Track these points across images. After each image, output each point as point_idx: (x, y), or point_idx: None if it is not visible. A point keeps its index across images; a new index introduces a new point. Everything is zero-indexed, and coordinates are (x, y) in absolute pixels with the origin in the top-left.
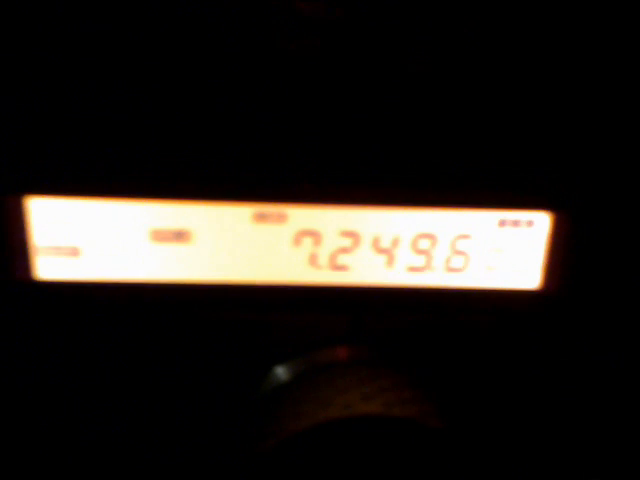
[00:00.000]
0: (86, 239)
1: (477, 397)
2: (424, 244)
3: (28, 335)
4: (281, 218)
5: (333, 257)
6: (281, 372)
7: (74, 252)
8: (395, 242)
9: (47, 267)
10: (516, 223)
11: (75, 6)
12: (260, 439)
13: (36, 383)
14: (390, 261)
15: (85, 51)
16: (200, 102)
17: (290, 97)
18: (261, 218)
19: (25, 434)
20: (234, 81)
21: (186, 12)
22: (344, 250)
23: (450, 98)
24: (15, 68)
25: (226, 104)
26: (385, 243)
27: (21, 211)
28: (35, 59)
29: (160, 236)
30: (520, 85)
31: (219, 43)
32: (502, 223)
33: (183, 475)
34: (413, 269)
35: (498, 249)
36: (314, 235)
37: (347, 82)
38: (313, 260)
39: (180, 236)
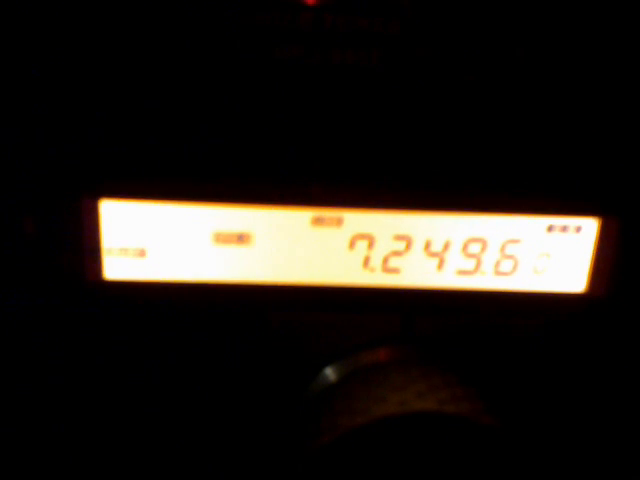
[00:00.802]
0: (152, 241)
1: (526, 397)
2: (474, 248)
3: (96, 334)
4: (338, 222)
5: (386, 260)
6: (334, 370)
7: (141, 253)
8: (446, 246)
9: (115, 267)
10: (564, 229)
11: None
12: (314, 436)
13: (105, 379)
14: (441, 264)
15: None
16: (264, 111)
17: (349, 106)
18: (319, 222)
19: (91, 429)
20: (294, 88)
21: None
22: (396, 253)
23: (502, 106)
24: (89, 70)
25: (289, 113)
26: (436, 247)
27: (94, 213)
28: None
29: (222, 238)
30: (568, 91)
31: (281, 49)
32: (550, 229)
33: (237, 474)
34: (463, 272)
35: (546, 253)
36: (368, 238)
37: (402, 89)
38: (367, 263)
39: (242, 238)
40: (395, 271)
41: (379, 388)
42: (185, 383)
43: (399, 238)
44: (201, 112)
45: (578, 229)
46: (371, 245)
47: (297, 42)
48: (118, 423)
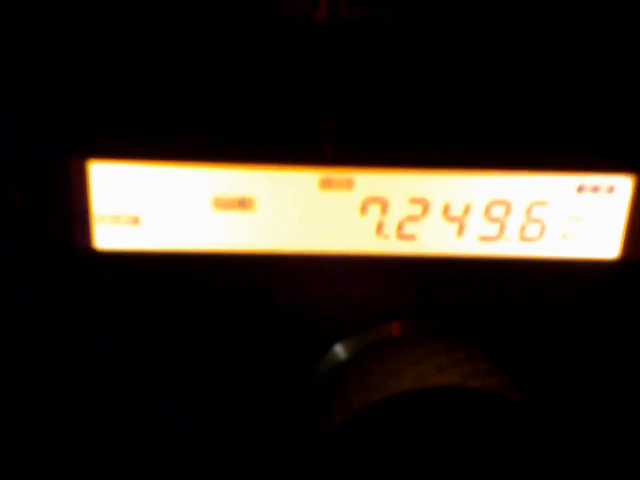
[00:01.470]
0: (147, 207)
1: (554, 372)
2: (497, 211)
3: (87, 307)
4: (348, 184)
5: (401, 226)
6: (345, 347)
7: (135, 221)
8: (466, 209)
9: (107, 236)
10: (596, 189)
11: None
12: (326, 416)
13: (94, 356)
14: (461, 230)
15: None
16: (267, 66)
17: (357, 61)
18: (327, 184)
19: (84, 406)
20: (300, 45)
21: None
22: (412, 218)
23: (526, 55)
24: (74, 26)
25: (294, 69)
26: (456, 211)
27: (83, 176)
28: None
29: (223, 203)
30: (598, 40)
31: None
32: (581, 189)
33: (248, 457)
34: (485, 238)
35: (576, 216)
36: (381, 202)
37: (416, 43)
38: (380, 229)
39: (244, 204)
40: (411, 238)
41: (395, 363)
42: (183, 362)
43: (415, 201)
44: (200, 67)
45: (611, 189)
46: (384, 209)
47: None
48: (110, 402)
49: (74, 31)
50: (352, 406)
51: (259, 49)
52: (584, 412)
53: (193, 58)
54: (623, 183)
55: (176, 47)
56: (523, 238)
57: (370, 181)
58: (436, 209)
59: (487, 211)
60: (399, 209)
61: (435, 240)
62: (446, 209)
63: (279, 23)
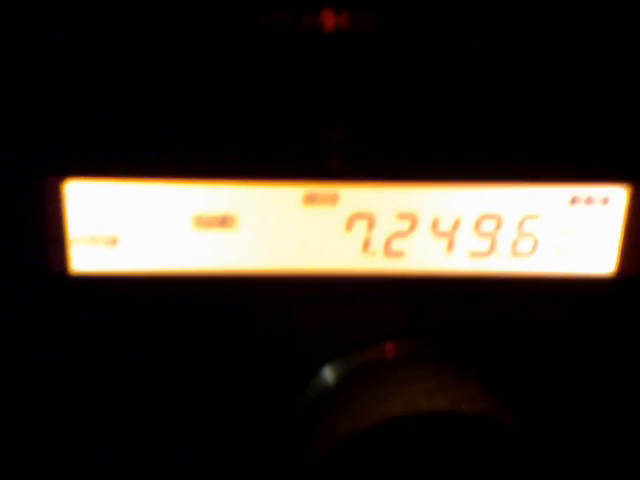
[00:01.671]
0: (125, 227)
1: (548, 393)
2: (488, 226)
3: (64, 333)
4: (332, 199)
5: (388, 242)
6: (332, 370)
7: (112, 241)
8: (456, 224)
9: (84, 258)
10: (589, 200)
11: None
12: (312, 445)
13: (75, 383)
14: (450, 246)
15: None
16: (247, 76)
17: (340, 69)
18: (311, 200)
19: (56, 429)
20: (281, 55)
21: None
22: (400, 234)
23: (515, 64)
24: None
25: (274, 78)
26: (445, 226)
27: (58, 195)
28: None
29: (204, 222)
30: (590, 47)
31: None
32: (574, 201)
33: None
34: (476, 254)
35: (569, 230)
36: (368, 218)
37: (402, 54)
38: (367, 246)
39: (225, 221)
40: (399, 255)
41: (383, 387)
42: (165, 387)
43: (402, 216)
44: (179, 81)
45: (605, 200)
46: (371, 225)
47: (285, 6)
48: (89, 430)
49: (48, 51)
50: (338, 434)
51: (239, 62)
52: (580, 434)
53: (170, 72)
54: (618, 194)
55: (155, 60)
56: (515, 253)
57: (356, 196)
58: (424, 224)
59: (477, 226)
60: (386, 225)
61: (424, 257)
62: (435, 224)
63: (259, 33)
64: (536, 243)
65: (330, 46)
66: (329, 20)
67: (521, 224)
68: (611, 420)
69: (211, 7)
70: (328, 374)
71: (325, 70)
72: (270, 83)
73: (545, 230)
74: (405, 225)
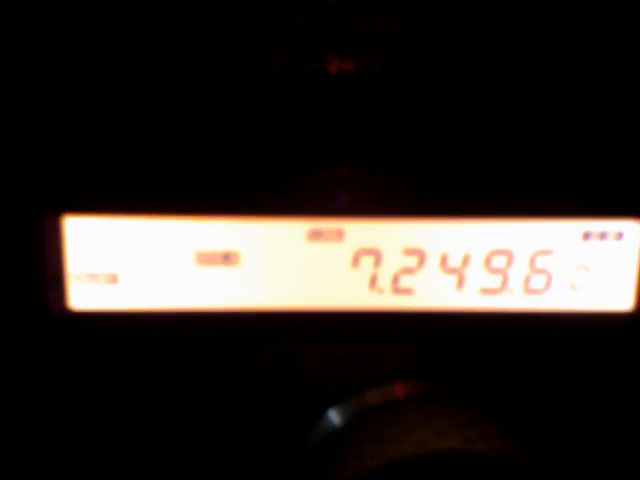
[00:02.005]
0: (125, 264)
1: (564, 432)
2: (499, 262)
3: (64, 370)
4: (338, 235)
5: (396, 279)
6: (340, 411)
7: (112, 279)
8: (466, 260)
9: (83, 296)
10: (603, 236)
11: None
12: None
13: (74, 422)
14: (460, 283)
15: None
16: (253, 114)
17: (346, 107)
18: (316, 236)
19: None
20: (283, 94)
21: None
22: (408, 271)
23: (523, 98)
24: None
25: (277, 115)
26: (454, 262)
27: (57, 232)
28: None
29: (206, 259)
30: (602, 72)
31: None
32: (587, 236)
33: None
34: (487, 291)
35: (583, 266)
36: (374, 254)
37: (409, 90)
38: (373, 283)
39: (228, 258)
40: (407, 292)
41: (393, 428)
42: (165, 428)
43: (410, 252)
44: (182, 117)
45: (619, 235)
46: (378, 262)
47: (288, 49)
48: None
49: (45, 86)
50: (347, 475)
51: (243, 100)
52: (597, 474)
53: (173, 107)
54: (632, 228)
55: (154, 98)
56: (528, 290)
57: (362, 231)
58: (433, 260)
59: (488, 262)
60: (393, 261)
61: (433, 294)
62: (444, 260)
63: (265, 74)
64: (549, 279)
65: (335, 86)
66: (334, 63)
67: (533, 260)
68: (628, 460)
69: (216, 48)
70: (335, 416)
71: (330, 108)
72: (273, 120)
73: (558, 266)
74: (413, 261)
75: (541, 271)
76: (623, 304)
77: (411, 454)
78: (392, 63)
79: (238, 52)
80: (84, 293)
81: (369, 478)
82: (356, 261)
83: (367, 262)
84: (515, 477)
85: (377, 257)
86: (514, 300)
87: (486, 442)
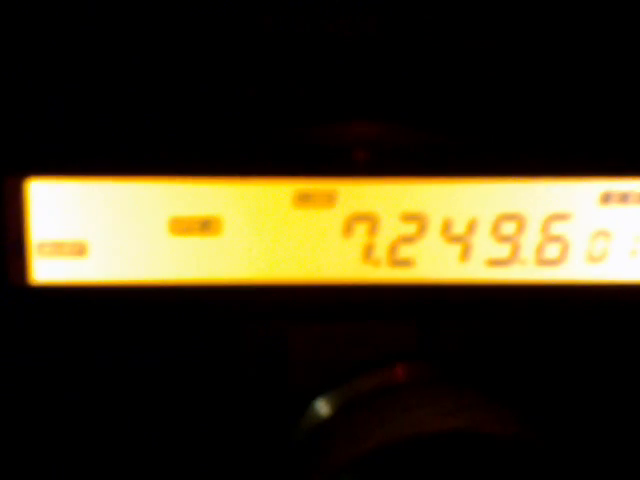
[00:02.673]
0: (94, 233)
1: (577, 414)
2: (508, 228)
3: (25, 350)
4: (328, 199)
5: (393, 249)
6: (332, 396)
7: (80, 249)
8: (471, 227)
9: (48, 267)
10: (624, 198)
11: None
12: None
13: (38, 407)
14: (465, 252)
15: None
16: (230, 60)
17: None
18: (303, 200)
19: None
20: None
21: None
22: (407, 239)
23: (536, 48)
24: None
25: (258, 70)
26: (458, 228)
27: (19, 196)
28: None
29: (182, 226)
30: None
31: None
32: (606, 198)
33: None
34: (495, 262)
35: (603, 233)
36: (369, 220)
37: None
38: (368, 253)
39: (206, 226)
40: (406, 263)
41: (385, 411)
42: (136, 412)
43: (409, 218)
44: (156, 69)
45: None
46: (373, 229)
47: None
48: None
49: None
50: (334, 464)
51: (217, 56)
52: (611, 456)
53: (142, 61)
54: None
55: (126, 46)
56: (541, 261)
57: (355, 195)
58: (434, 227)
59: (495, 228)
60: (390, 228)
61: (435, 265)
62: (446, 227)
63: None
64: (565, 248)
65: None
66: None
67: (546, 226)
68: None
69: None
70: (327, 401)
71: (314, 62)
72: (251, 75)
73: (575, 233)
74: (412, 228)
75: (556, 238)
76: None
77: (405, 435)
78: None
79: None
80: (48, 264)
81: (359, 462)
82: (348, 228)
83: (360, 230)
84: (521, 458)
85: (372, 224)
86: (525, 271)
87: (487, 423)
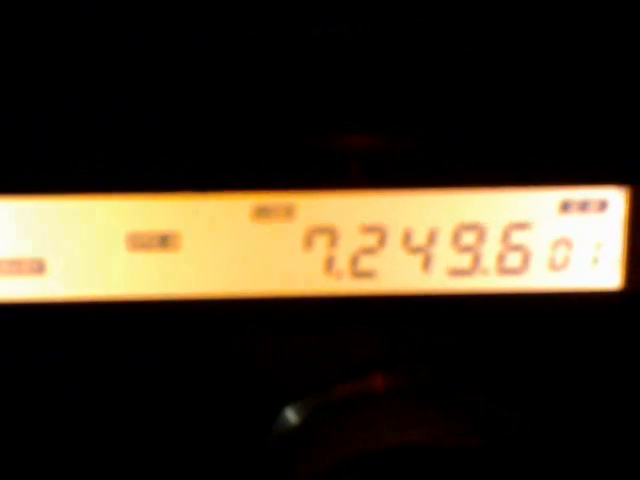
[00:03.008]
0: (51, 251)
1: (550, 419)
2: (469, 238)
3: None
4: (287, 212)
5: (354, 260)
6: (296, 410)
7: (39, 266)
8: (431, 237)
9: (5, 286)
10: (584, 206)
11: None
12: None
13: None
14: (427, 263)
15: None
16: (188, 75)
17: (298, 67)
18: (262, 213)
19: None
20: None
21: None
22: (368, 251)
23: (501, 54)
24: None
25: (221, 76)
26: (418, 239)
27: None
28: None
29: (140, 242)
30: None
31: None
32: (565, 207)
33: None
34: (457, 272)
35: (564, 240)
36: (329, 232)
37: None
38: (329, 266)
39: (165, 241)
40: (368, 275)
41: (350, 424)
42: (100, 432)
43: (369, 230)
44: (109, 84)
45: (602, 205)
46: (333, 241)
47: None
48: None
49: None
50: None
51: (175, 67)
52: (589, 460)
53: (97, 76)
54: (616, 197)
55: (79, 58)
56: (502, 270)
57: (314, 208)
58: (395, 238)
59: (456, 238)
60: (351, 240)
61: (397, 276)
62: (407, 238)
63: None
64: (527, 256)
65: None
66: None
67: (506, 235)
68: (619, 442)
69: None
70: (290, 415)
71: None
72: (212, 87)
73: (536, 241)
74: (372, 240)
75: (516, 247)
76: (610, 281)
77: (366, 449)
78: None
79: None
80: (6, 283)
81: (322, 476)
82: (309, 241)
83: (321, 242)
84: (481, 468)
85: (332, 236)
86: (487, 281)
87: (450, 436)
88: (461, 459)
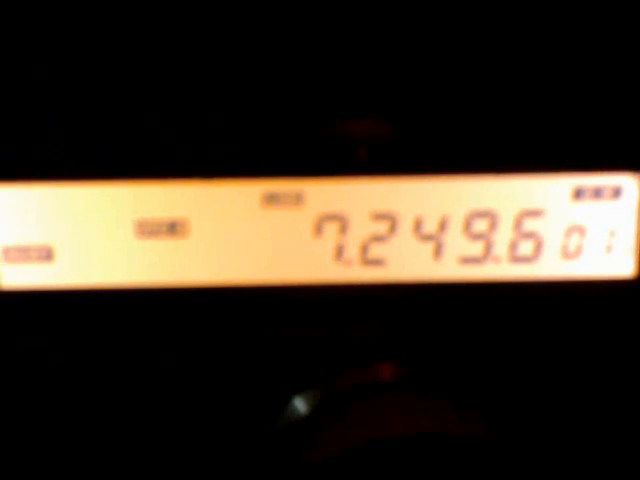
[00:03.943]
0: (60, 237)
1: (558, 412)
2: (480, 225)
3: None
4: (297, 199)
5: (364, 248)
6: (304, 399)
7: (47, 253)
8: (442, 225)
9: (13, 272)
10: (597, 193)
11: None
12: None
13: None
14: (438, 251)
15: None
16: (193, 59)
17: (307, 45)
18: (272, 200)
19: None
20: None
21: None
22: (378, 239)
23: (510, 41)
24: None
25: (225, 60)
26: (430, 227)
27: None
28: None
29: (149, 229)
30: (588, 28)
31: None
32: (578, 194)
33: None
34: (468, 260)
35: (577, 228)
36: (339, 220)
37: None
38: (339, 253)
39: (173, 228)
40: (378, 263)
41: (357, 413)
42: (103, 416)
43: (380, 217)
44: (118, 68)
45: (616, 191)
46: (343, 229)
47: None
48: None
49: None
50: (305, 464)
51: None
52: (594, 454)
53: (106, 60)
54: (630, 184)
55: (85, 44)
56: (514, 258)
57: (324, 195)
58: (406, 226)
59: (467, 226)
60: (361, 228)
61: (407, 264)
62: (417, 225)
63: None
64: (539, 244)
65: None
66: None
67: (519, 222)
68: (629, 440)
69: None
70: (299, 404)
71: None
72: (220, 74)
73: (548, 229)
74: (383, 227)
75: (529, 235)
76: (624, 269)
77: (375, 437)
78: None
79: None
80: (15, 270)
81: (330, 463)
82: (318, 229)
83: (331, 230)
84: (487, 457)
85: (342, 224)
86: (499, 269)
87: (458, 425)
88: (469, 448)
